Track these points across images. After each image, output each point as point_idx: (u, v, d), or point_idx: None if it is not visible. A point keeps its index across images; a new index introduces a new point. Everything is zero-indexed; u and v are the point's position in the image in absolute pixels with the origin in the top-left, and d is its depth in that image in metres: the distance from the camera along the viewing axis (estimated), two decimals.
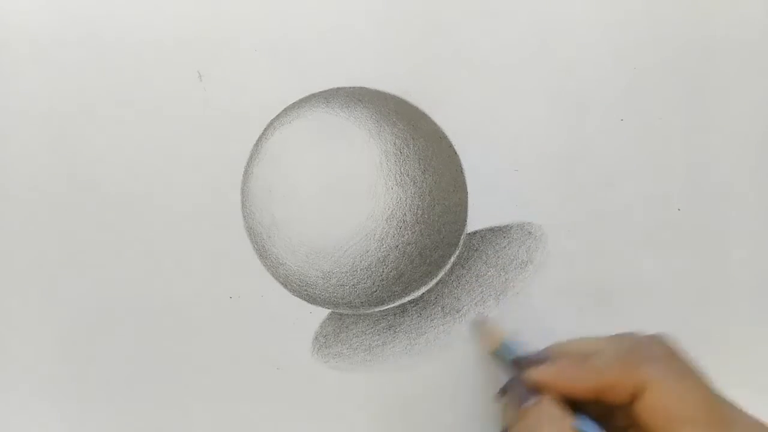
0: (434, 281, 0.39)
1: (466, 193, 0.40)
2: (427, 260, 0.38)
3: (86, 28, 0.38)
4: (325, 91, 0.39)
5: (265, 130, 0.39)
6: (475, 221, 0.40)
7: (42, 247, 0.38)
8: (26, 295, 0.38)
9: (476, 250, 0.40)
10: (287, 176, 0.38)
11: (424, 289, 0.39)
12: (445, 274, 0.40)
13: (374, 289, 0.38)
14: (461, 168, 0.39)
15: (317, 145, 0.38)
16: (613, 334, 0.34)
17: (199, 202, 0.38)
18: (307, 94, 0.39)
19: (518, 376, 0.33)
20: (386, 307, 0.39)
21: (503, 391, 0.34)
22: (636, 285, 0.41)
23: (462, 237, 0.39)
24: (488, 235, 0.40)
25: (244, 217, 0.38)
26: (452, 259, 0.39)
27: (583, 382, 0.30)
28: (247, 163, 0.38)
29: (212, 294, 0.38)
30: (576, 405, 0.31)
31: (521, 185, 0.40)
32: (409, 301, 0.39)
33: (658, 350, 0.31)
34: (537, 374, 0.31)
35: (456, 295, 0.40)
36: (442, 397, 0.39)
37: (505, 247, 0.40)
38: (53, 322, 0.38)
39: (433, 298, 0.40)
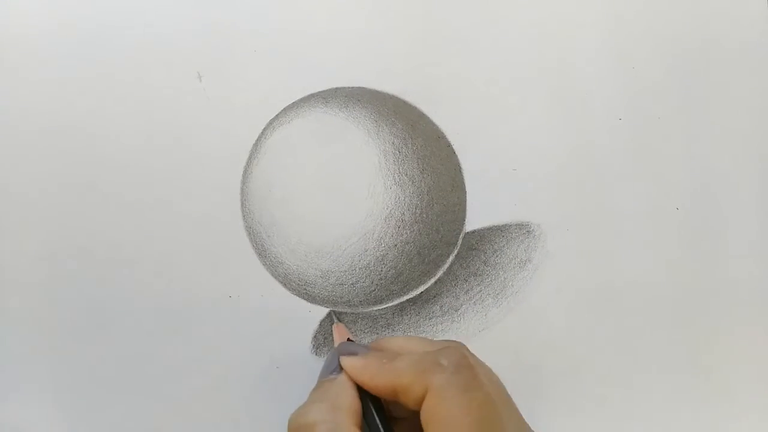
0: (433, 280, 0.39)
1: (464, 192, 0.40)
2: (426, 259, 0.38)
3: (86, 28, 0.39)
4: (324, 91, 0.39)
5: (265, 129, 0.39)
6: (474, 220, 0.40)
7: (42, 247, 0.38)
8: (26, 295, 0.38)
9: (475, 249, 0.40)
10: (286, 176, 0.38)
11: (422, 288, 0.39)
12: (444, 273, 0.40)
13: (373, 288, 0.38)
14: (460, 167, 0.40)
15: (316, 144, 0.38)
16: (443, 339, 0.35)
17: (198, 201, 0.38)
18: (306, 94, 0.39)
19: (333, 350, 0.34)
20: (385, 306, 0.39)
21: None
22: (636, 285, 0.41)
23: (460, 236, 0.40)
24: (487, 234, 0.40)
25: (244, 216, 0.39)
26: (451, 258, 0.39)
27: (380, 380, 0.31)
28: (247, 163, 0.39)
29: (212, 293, 0.38)
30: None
31: (520, 184, 0.40)
32: (407, 299, 0.39)
33: (452, 359, 0.30)
34: (345, 362, 0.32)
35: (454, 294, 0.40)
36: None
37: (503, 246, 0.40)
38: (53, 322, 0.38)
39: (431, 297, 0.40)
